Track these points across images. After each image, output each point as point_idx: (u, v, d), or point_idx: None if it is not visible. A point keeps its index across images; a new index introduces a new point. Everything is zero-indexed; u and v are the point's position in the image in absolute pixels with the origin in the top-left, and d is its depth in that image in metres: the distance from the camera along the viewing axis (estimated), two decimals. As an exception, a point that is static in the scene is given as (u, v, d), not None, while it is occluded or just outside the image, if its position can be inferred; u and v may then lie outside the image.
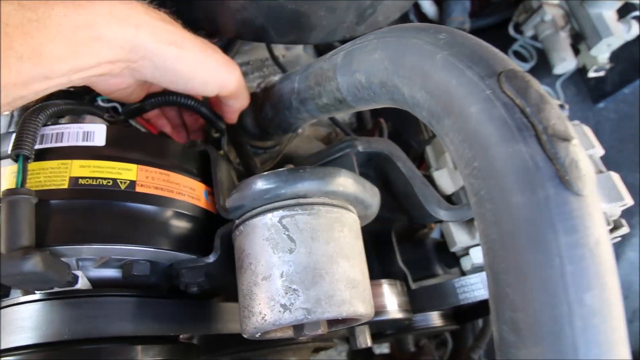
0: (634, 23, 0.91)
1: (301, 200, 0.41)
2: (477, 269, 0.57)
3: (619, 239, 0.50)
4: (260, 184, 0.41)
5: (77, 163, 0.40)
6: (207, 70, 0.48)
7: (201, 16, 0.61)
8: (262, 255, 0.39)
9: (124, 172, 0.42)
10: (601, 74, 1.00)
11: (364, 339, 0.52)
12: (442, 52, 0.31)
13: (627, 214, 0.50)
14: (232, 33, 0.63)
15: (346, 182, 0.43)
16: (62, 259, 0.38)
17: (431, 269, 0.74)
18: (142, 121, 0.66)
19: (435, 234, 0.82)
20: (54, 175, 0.39)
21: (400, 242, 0.69)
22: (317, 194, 0.42)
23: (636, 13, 0.92)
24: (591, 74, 1.00)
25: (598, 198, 0.25)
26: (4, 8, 0.34)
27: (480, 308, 0.74)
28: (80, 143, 0.42)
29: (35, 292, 0.41)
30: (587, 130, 0.53)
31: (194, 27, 0.52)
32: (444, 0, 1.04)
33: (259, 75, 0.81)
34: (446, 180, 0.60)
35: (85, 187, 0.40)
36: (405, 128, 0.83)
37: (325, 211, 0.41)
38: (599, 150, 0.52)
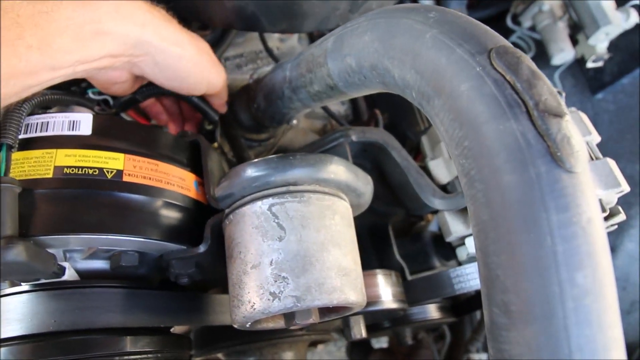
0: (633, 11, 0.90)
1: (291, 188, 0.40)
2: (472, 259, 0.56)
3: (616, 227, 0.49)
4: (250, 171, 0.40)
5: (62, 152, 0.40)
6: (200, 71, 0.50)
7: (192, 6, 0.60)
8: (252, 243, 0.39)
9: (111, 161, 0.41)
10: (600, 64, 0.99)
11: (359, 330, 0.51)
12: (432, 31, 0.30)
13: (625, 205, 0.49)
14: (223, 22, 0.62)
15: (338, 169, 0.42)
16: (48, 250, 0.38)
17: (429, 262, 0.74)
18: (134, 115, 0.65)
19: (433, 227, 0.82)
20: (38, 165, 0.39)
21: (398, 236, 0.69)
22: (307, 182, 0.41)
23: (635, 1, 0.91)
24: (589, 65, 0.99)
25: (591, 175, 0.24)
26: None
27: (478, 299, 0.73)
28: (66, 132, 0.41)
29: (22, 283, 0.40)
30: (584, 117, 0.53)
31: (185, 19, 0.52)
32: (440, -9, 1.03)
33: (252, 68, 0.80)
34: (442, 169, 0.59)
35: (70, 177, 0.39)
36: (402, 119, 0.82)
37: (316, 199, 0.40)
38: (596, 137, 0.51)
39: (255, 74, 0.73)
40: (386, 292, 0.53)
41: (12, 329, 0.37)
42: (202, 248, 0.43)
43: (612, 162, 0.47)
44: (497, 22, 1.09)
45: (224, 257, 0.43)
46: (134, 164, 0.42)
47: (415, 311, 0.68)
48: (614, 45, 0.96)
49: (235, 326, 0.40)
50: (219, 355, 0.66)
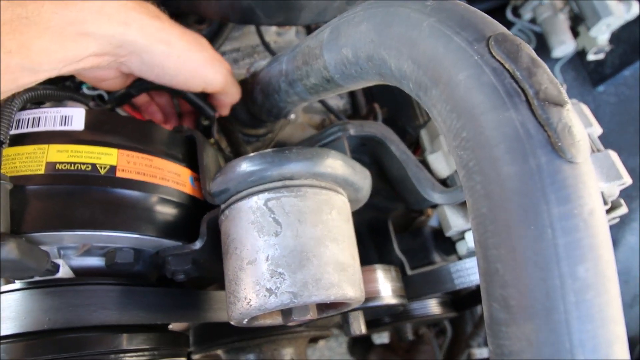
0: (634, 2, 0.89)
1: (287, 182, 0.39)
2: (472, 253, 0.55)
3: (617, 219, 0.48)
4: (245, 165, 0.40)
5: (54, 148, 0.39)
6: (191, 68, 0.49)
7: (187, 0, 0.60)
8: (248, 239, 0.38)
9: (104, 156, 0.40)
10: (601, 56, 0.98)
11: (358, 326, 0.51)
12: (429, 19, 0.29)
13: (627, 198, 0.49)
14: (219, 15, 0.61)
15: (335, 163, 0.42)
16: (42, 247, 0.37)
17: (429, 257, 0.73)
18: (130, 110, 0.65)
19: (433, 222, 0.81)
20: (29, 161, 0.38)
21: (398, 231, 0.68)
22: (304, 176, 0.40)
23: (636, -8, 0.90)
24: (591, 57, 0.97)
25: (592, 165, 0.24)
26: None
27: (479, 294, 0.73)
28: (58, 127, 0.40)
29: (15, 281, 0.40)
30: (585, 109, 0.52)
31: (180, 13, 0.51)
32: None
33: (249, 62, 0.79)
34: (441, 163, 0.58)
35: (62, 173, 0.38)
36: (401, 114, 0.81)
37: (313, 193, 0.40)
38: (597, 129, 0.51)
39: (252, 68, 0.73)
40: (386, 287, 0.52)
41: (6, 327, 0.37)
42: (198, 244, 0.42)
43: (614, 155, 0.46)
44: (497, 15, 1.08)
45: (220, 253, 0.42)
46: (127, 159, 0.41)
47: (415, 306, 0.67)
48: (615, 37, 0.95)
49: (232, 323, 0.39)
50: (218, 352, 0.66)
